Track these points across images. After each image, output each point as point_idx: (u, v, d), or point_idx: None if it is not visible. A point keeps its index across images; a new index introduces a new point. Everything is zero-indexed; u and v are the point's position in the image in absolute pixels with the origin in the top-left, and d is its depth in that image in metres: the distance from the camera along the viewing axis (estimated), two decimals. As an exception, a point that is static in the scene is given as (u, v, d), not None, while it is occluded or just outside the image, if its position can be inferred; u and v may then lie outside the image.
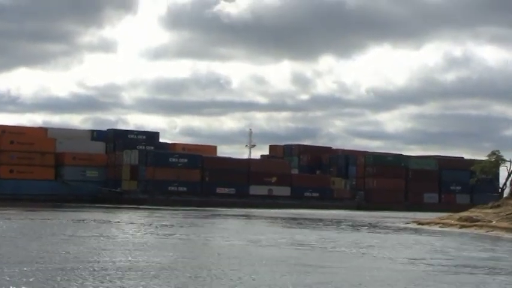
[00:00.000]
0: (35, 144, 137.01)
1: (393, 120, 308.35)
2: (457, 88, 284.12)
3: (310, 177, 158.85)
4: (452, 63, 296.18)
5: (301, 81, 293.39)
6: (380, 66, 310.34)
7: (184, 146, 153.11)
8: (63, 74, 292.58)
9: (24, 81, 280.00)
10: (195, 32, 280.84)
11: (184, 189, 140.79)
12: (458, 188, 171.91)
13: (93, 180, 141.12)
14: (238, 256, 33.82)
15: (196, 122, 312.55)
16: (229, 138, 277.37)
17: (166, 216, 79.98)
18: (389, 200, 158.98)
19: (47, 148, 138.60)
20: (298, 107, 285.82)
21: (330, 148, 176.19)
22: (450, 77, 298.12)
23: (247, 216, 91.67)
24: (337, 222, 78.22)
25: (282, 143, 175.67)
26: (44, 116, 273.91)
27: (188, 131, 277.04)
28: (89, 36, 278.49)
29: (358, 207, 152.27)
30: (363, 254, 37.55)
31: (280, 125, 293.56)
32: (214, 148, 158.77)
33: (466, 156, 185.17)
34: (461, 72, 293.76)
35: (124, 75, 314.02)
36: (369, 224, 76.53)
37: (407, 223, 76.33)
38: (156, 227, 58.23)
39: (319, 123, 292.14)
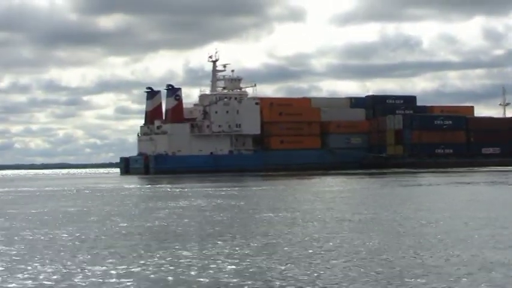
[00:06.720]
0: (302, 115, 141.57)
1: None
2: None
3: None
4: None
5: (494, 36, 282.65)
6: None
7: (443, 108, 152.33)
8: (254, 45, 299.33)
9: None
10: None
11: (451, 151, 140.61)
12: None
13: (357, 147, 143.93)
14: None
15: (389, 84, 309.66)
16: (423, 99, 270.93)
17: None
18: None
19: (313, 118, 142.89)
20: (492, 63, 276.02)
21: None
22: None
23: None
24: None
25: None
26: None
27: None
28: (278, 7, 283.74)
29: None
30: None
31: (475, 82, 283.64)
32: (472, 108, 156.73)
33: None
34: None
35: (313, 43, 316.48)
36: None
37: None
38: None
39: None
